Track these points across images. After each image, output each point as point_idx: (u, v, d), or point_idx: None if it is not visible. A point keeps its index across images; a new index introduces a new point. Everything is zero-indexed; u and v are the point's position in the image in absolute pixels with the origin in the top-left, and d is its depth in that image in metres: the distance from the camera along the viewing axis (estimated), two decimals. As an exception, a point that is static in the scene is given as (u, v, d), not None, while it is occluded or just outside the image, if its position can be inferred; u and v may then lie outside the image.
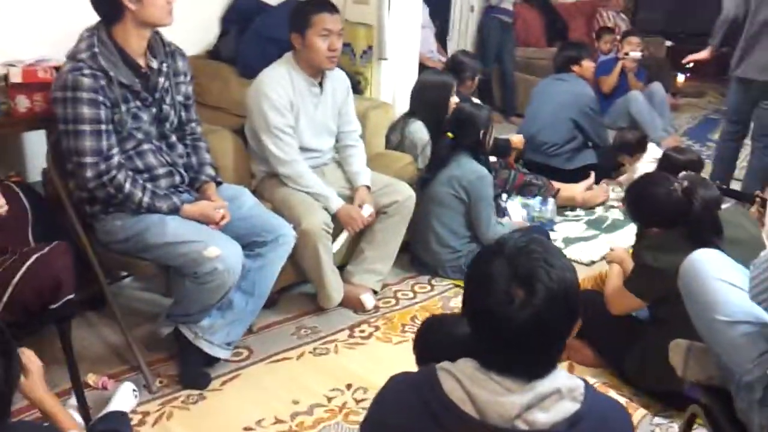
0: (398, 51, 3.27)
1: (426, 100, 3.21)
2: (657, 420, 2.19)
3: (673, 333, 2.06)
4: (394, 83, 3.32)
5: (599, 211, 3.89)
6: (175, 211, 2.12)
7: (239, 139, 2.75)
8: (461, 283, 2.98)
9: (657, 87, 5.34)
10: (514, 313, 1.07)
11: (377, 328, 2.66)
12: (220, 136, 2.67)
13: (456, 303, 2.86)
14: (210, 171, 2.33)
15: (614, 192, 4.11)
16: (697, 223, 2.04)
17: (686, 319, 2.01)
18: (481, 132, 2.97)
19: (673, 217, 2.09)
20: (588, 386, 1.23)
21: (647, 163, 3.90)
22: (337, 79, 2.73)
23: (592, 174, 4.02)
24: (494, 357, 1.14)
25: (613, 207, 3.94)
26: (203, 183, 2.29)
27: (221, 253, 2.05)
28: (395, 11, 3.18)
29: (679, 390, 2.14)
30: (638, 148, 3.90)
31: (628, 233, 3.55)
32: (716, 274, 1.63)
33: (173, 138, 2.23)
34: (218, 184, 2.35)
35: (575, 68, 4.27)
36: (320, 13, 2.50)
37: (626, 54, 5.24)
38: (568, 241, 3.45)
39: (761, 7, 3.49)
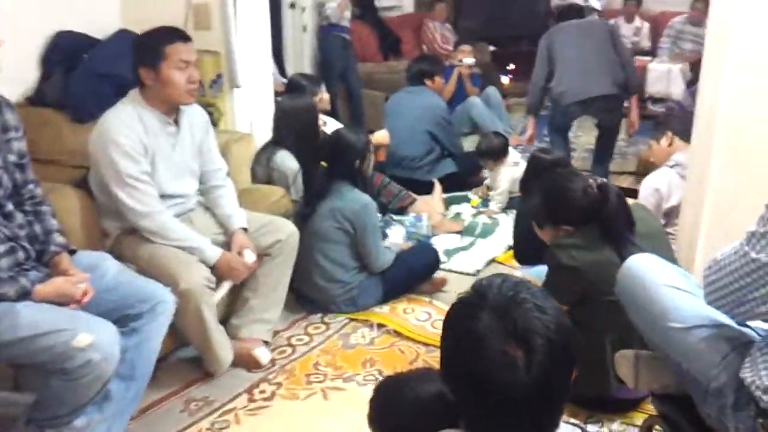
0: (251, 77, 3.00)
1: (291, 126, 2.98)
2: (589, 428, 2.13)
3: (593, 335, 2.02)
4: (251, 112, 3.05)
5: (468, 218, 3.87)
6: (25, 295, 1.72)
7: (84, 194, 2.35)
8: (357, 317, 2.79)
9: (492, 91, 5.52)
10: (517, 377, 0.92)
11: (279, 384, 2.38)
12: (62, 194, 2.26)
13: (356, 339, 2.65)
14: (59, 239, 1.93)
15: (475, 196, 4.14)
16: (612, 220, 2.01)
17: (604, 320, 1.99)
18: (357, 161, 2.77)
19: (589, 214, 2.04)
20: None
21: (508, 167, 3.94)
22: (194, 114, 2.42)
23: (437, 184, 3.98)
24: (491, 426, 0.99)
25: (480, 213, 3.94)
26: (53, 255, 1.89)
27: (94, 339, 1.69)
28: (243, 35, 2.91)
29: (606, 393, 2.11)
30: (502, 152, 3.94)
31: (502, 236, 3.57)
32: (660, 280, 1.57)
33: (9, 206, 1.81)
34: (72, 252, 1.96)
35: (428, 82, 4.27)
36: (174, 42, 2.18)
37: (460, 61, 5.36)
38: (449, 253, 3.37)
39: (573, 44, 3.92)
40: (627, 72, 3.93)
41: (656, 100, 6.03)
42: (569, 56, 3.91)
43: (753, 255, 1.24)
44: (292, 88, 3.47)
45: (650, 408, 2.14)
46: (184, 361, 2.49)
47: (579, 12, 4.28)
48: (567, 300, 2.08)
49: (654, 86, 5.97)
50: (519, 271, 2.64)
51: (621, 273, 1.67)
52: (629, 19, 6.56)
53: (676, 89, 5.87)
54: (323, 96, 3.62)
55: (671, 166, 2.85)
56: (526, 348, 0.93)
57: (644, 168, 4.60)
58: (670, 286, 1.55)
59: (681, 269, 1.63)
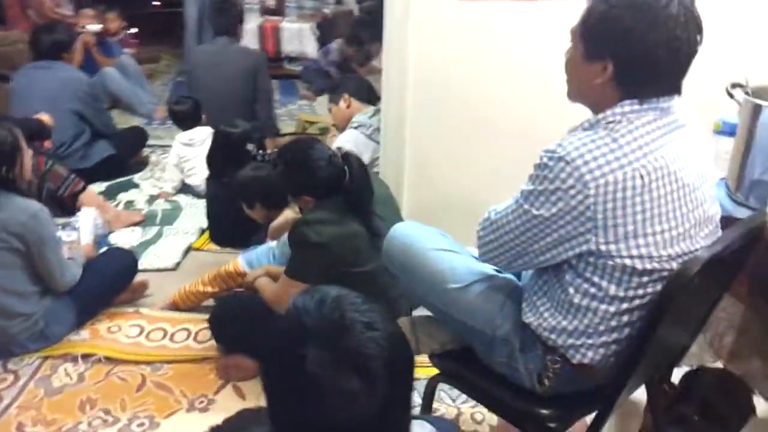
0: None
1: None
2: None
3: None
4: None
5: (143, 207, 3.46)
6: None
7: None
8: (52, 352, 2.28)
9: (127, 59, 5.03)
10: (360, 410, 0.82)
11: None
12: None
13: (61, 380, 2.17)
14: None
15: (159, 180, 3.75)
16: (357, 190, 1.95)
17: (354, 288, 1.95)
18: (4, 167, 2.17)
19: (335, 184, 1.95)
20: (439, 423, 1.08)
21: (182, 145, 3.58)
22: None
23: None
24: None
25: (154, 197, 3.57)
26: None
27: None
28: None
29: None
30: (195, 119, 3.55)
31: (189, 220, 3.29)
32: (428, 245, 1.57)
33: None
34: None
35: (65, 56, 3.61)
36: None
37: (83, 27, 4.71)
38: (136, 251, 2.95)
39: (208, 76, 3.76)
40: (260, 116, 3.80)
41: (292, 59, 6.19)
42: (204, 88, 3.70)
43: (534, 212, 1.30)
44: None
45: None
46: None
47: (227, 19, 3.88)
48: (314, 277, 2.00)
49: (288, 46, 6.10)
50: (241, 258, 2.45)
51: (387, 244, 1.64)
52: (250, -23, 6.51)
53: (310, 47, 6.09)
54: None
55: (355, 127, 2.91)
56: (364, 376, 0.82)
57: (303, 129, 4.73)
58: (439, 249, 1.57)
59: (439, 230, 1.66)
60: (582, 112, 1.39)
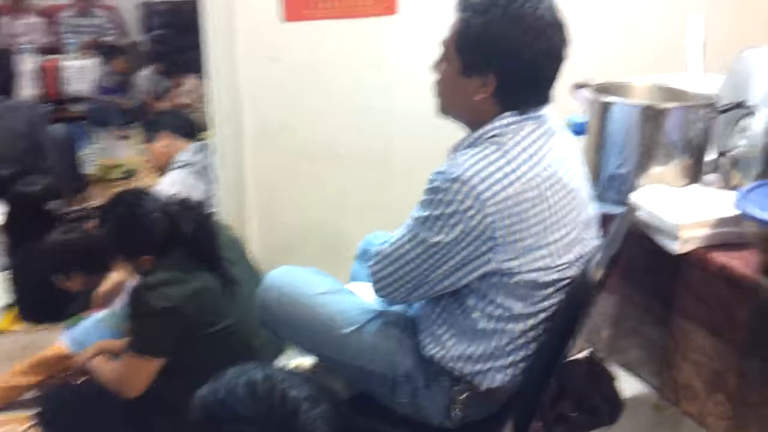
0: None
1: None
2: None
3: (208, 373, 1.74)
4: None
5: None
6: None
7: None
8: None
9: None
10: None
11: None
12: None
13: None
14: None
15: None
16: (200, 238, 1.72)
17: (215, 353, 1.72)
18: None
19: (173, 237, 1.71)
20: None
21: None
22: None
23: None
24: None
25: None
26: None
27: None
28: None
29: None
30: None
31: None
32: (309, 291, 1.42)
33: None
34: None
35: None
36: None
37: None
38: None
39: None
40: (54, 171, 3.26)
41: (78, 100, 5.61)
42: None
43: (434, 238, 1.20)
44: None
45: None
46: None
47: None
48: (168, 348, 1.73)
49: (73, 85, 5.52)
50: (63, 337, 2.09)
51: (262, 298, 1.47)
52: (17, 15, 5.77)
53: (91, 85, 5.56)
54: None
55: (180, 167, 2.63)
56: None
57: (105, 175, 4.31)
58: (323, 293, 1.43)
59: (314, 269, 1.51)
60: (429, 129, 1.32)
